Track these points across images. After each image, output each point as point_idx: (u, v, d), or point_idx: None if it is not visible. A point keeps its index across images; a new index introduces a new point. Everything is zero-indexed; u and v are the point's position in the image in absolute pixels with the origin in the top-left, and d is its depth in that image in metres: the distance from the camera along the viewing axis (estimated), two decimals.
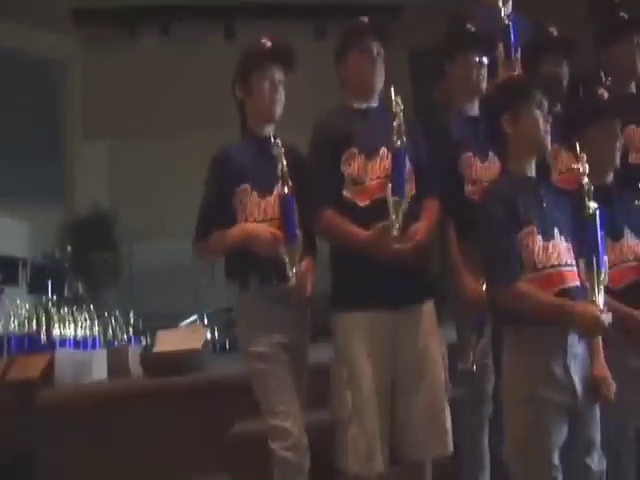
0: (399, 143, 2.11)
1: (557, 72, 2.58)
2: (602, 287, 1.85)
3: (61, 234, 7.05)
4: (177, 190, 6.48)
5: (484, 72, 2.50)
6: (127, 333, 4.02)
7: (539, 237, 1.96)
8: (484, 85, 2.50)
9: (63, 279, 5.85)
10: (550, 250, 1.96)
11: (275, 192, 2.18)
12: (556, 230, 1.98)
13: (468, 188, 2.39)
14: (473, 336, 2.27)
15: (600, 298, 1.84)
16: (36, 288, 5.33)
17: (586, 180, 1.93)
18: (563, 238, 1.99)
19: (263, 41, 2.29)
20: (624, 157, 2.57)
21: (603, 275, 1.85)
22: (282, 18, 7.36)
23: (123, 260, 7.29)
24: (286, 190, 2.11)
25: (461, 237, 2.34)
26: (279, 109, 2.31)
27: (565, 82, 2.67)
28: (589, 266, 1.86)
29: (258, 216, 2.21)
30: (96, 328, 3.78)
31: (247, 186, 2.22)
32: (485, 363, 2.36)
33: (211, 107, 5.96)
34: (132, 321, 4.08)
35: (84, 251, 7.03)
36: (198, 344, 3.29)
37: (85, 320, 3.74)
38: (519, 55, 2.65)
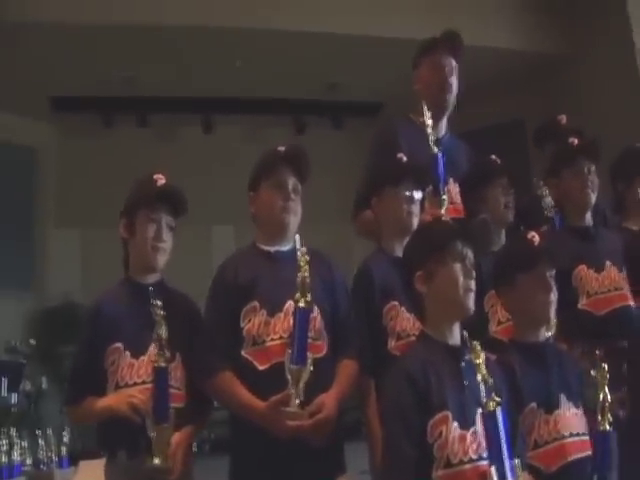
0: (302, 302, 1.83)
1: (484, 216, 2.34)
2: None
3: (28, 325, 6.83)
4: None
5: (415, 208, 2.22)
6: (59, 454, 3.72)
7: (455, 424, 1.64)
8: (415, 223, 2.21)
9: (19, 377, 5.59)
10: (468, 440, 1.63)
11: (151, 351, 1.92)
12: (478, 413, 1.66)
13: (392, 343, 2.07)
14: None
15: None
16: None
17: (484, 372, 1.61)
18: None
19: (155, 177, 2.07)
20: (574, 302, 2.34)
21: None
22: (261, 113, 7.31)
23: None
24: (162, 363, 1.85)
25: None
26: (162, 258, 2.06)
27: (511, 213, 2.44)
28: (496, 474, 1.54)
29: (130, 379, 1.94)
30: (16, 452, 3.48)
31: (119, 345, 1.96)
32: None
33: (188, 200, 5.86)
34: (66, 439, 3.78)
35: (52, 343, 6.80)
36: None
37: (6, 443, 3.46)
38: (450, 188, 2.42)
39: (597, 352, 1.95)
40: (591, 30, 6.38)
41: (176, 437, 1.88)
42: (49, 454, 3.65)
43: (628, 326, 2.29)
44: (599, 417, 1.82)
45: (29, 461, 3.62)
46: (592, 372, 1.88)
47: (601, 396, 1.84)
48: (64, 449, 3.75)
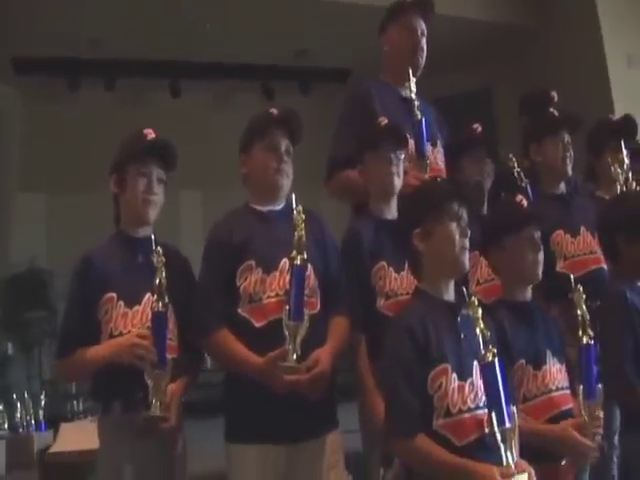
0: (299, 260, 1.88)
1: (478, 179, 2.42)
2: (512, 443, 1.62)
3: None
4: None
5: (397, 169, 2.26)
6: (36, 417, 3.73)
7: (454, 376, 1.72)
8: (398, 184, 2.26)
9: None
10: (466, 391, 1.72)
11: (145, 301, 1.96)
12: (475, 365, 1.75)
13: (381, 302, 2.14)
14: (380, 468, 2.04)
15: (510, 456, 1.61)
16: None
17: (482, 326, 1.69)
18: None
19: (145, 132, 2.07)
20: (551, 265, 2.44)
21: (510, 430, 1.62)
22: (230, 78, 7.27)
23: (59, 319, 6.95)
24: (161, 307, 1.87)
25: (374, 355, 2.06)
26: (153, 211, 2.08)
27: (490, 181, 2.54)
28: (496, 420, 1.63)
29: (124, 328, 1.96)
30: None
31: (113, 295, 1.98)
32: None
33: None
34: (43, 403, 3.79)
35: (17, 309, 6.74)
36: None
37: None
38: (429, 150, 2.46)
39: (572, 277, 2.03)
40: (559, 3, 6.47)
41: (171, 388, 1.91)
42: (27, 418, 3.65)
43: (601, 287, 2.41)
44: (580, 332, 1.93)
45: (5, 425, 3.62)
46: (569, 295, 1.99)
47: (580, 314, 1.95)
48: (41, 413, 3.76)
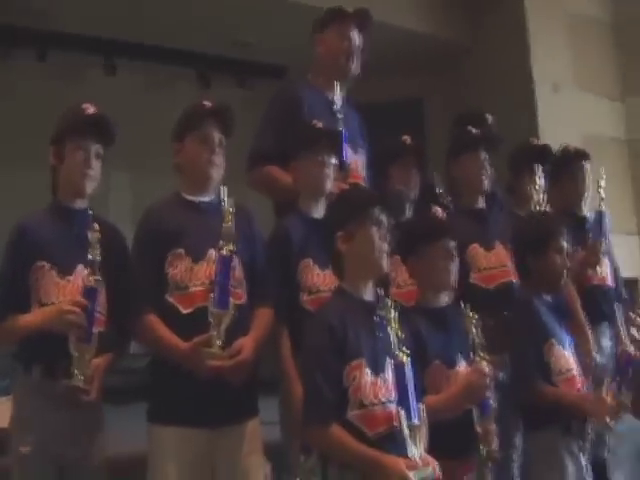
0: (225, 250, 1.97)
1: (400, 188, 2.54)
2: (418, 438, 1.74)
3: None
4: None
5: (330, 172, 2.35)
6: None
7: (368, 370, 1.84)
8: (329, 186, 2.36)
9: None
10: (379, 385, 1.84)
11: (77, 273, 2.00)
12: (389, 362, 1.86)
13: (304, 297, 2.22)
14: (300, 456, 2.12)
15: (415, 450, 1.73)
16: None
17: (396, 327, 1.82)
18: None
19: (84, 106, 2.11)
20: (465, 277, 2.57)
21: (417, 426, 1.74)
22: (166, 62, 7.21)
23: None
24: (93, 282, 1.92)
25: (296, 347, 2.14)
26: (90, 185, 2.12)
27: (415, 191, 2.67)
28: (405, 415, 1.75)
29: (56, 299, 2.00)
30: None
31: (45, 263, 2.02)
32: None
33: None
34: None
35: None
36: None
37: None
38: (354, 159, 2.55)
39: (462, 304, 2.14)
40: (492, 23, 6.71)
41: (95, 362, 1.96)
42: None
43: (511, 299, 2.59)
44: (473, 356, 2.06)
45: None
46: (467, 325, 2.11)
47: (472, 338, 2.08)
48: None
